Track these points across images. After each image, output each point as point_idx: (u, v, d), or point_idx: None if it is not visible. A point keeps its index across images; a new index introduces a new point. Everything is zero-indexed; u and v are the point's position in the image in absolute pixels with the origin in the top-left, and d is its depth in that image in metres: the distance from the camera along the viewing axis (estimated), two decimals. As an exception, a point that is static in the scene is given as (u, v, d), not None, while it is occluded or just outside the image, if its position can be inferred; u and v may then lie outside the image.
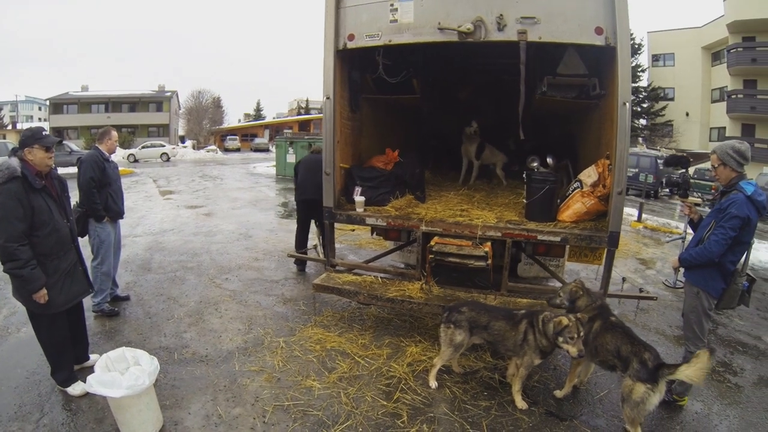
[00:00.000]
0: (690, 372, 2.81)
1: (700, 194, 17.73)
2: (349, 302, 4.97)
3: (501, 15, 3.76)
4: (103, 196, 4.55)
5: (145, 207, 11.32)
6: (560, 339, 3.12)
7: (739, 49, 27.55)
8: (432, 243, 4.13)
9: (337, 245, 7.02)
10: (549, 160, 4.85)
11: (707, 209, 3.95)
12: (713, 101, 31.33)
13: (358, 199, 4.52)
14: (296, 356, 3.93)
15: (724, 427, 3.37)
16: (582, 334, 3.09)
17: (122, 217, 4.87)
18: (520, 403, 3.35)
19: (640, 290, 5.07)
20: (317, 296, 5.09)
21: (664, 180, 18.73)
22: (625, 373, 3.03)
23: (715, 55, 31.14)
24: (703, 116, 31.68)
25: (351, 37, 4.17)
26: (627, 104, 3.73)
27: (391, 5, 3.99)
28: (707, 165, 19.02)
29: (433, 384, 3.56)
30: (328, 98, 4.26)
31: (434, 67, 5.93)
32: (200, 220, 9.73)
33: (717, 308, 3.47)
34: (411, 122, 7.17)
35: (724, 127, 29.54)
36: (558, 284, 5.19)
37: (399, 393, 3.44)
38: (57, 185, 3.31)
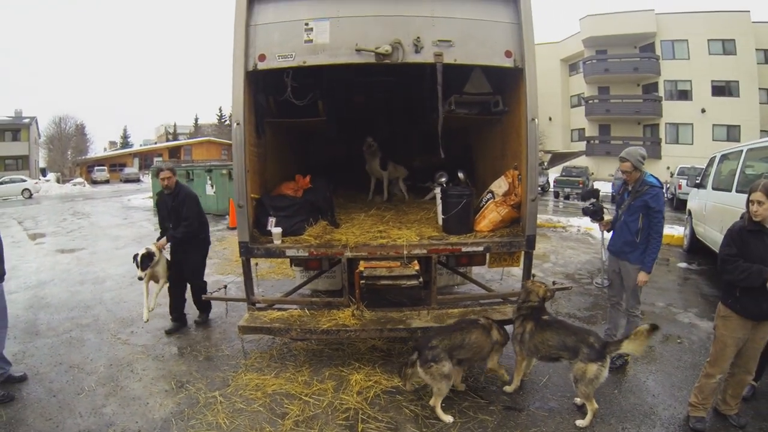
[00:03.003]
0: (632, 346, 3.28)
1: (569, 189, 20.26)
2: (274, 339, 4.68)
3: (418, 38, 3.85)
4: None
5: (15, 255, 9.57)
6: None
7: (593, 61, 32.05)
8: (361, 268, 4.07)
9: (237, 279, 6.65)
10: (460, 175, 5.05)
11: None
12: (572, 106, 35.58)
13: (275, 230, 4.26)
14: (240, 409, 3.56)
15: (651, 381, 3.98)
16: None
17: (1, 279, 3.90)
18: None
19: (554, 282, 5.45)
20: (242, 338, 4.66)
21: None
22: (574, 360, 3.31)
23: (572, 66, 35.43)
24: (564, 120, 35.68)
25: (262, 58, 3.95)
26: (536, 120, 4.04)
27: (306, 24, 3.87)
28: (574, 163, 21.82)
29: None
30: (238, 124, 3.97)
31: (340, 88, 5.87)
32: (83, 266, 8.55)
33: None
34: (314, 145, 7.03)
35: (584, 129, 33.76)
36: (477, 288, 5.41)
37: (362, 424, 3.33)
38: None
